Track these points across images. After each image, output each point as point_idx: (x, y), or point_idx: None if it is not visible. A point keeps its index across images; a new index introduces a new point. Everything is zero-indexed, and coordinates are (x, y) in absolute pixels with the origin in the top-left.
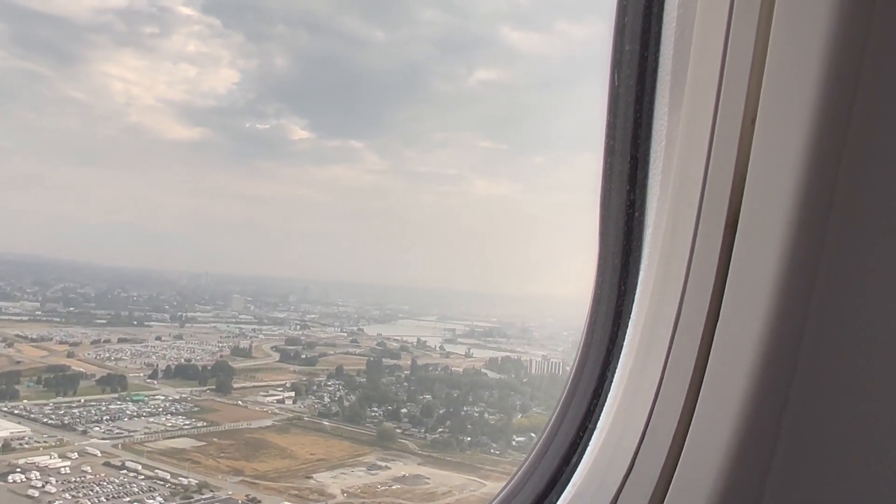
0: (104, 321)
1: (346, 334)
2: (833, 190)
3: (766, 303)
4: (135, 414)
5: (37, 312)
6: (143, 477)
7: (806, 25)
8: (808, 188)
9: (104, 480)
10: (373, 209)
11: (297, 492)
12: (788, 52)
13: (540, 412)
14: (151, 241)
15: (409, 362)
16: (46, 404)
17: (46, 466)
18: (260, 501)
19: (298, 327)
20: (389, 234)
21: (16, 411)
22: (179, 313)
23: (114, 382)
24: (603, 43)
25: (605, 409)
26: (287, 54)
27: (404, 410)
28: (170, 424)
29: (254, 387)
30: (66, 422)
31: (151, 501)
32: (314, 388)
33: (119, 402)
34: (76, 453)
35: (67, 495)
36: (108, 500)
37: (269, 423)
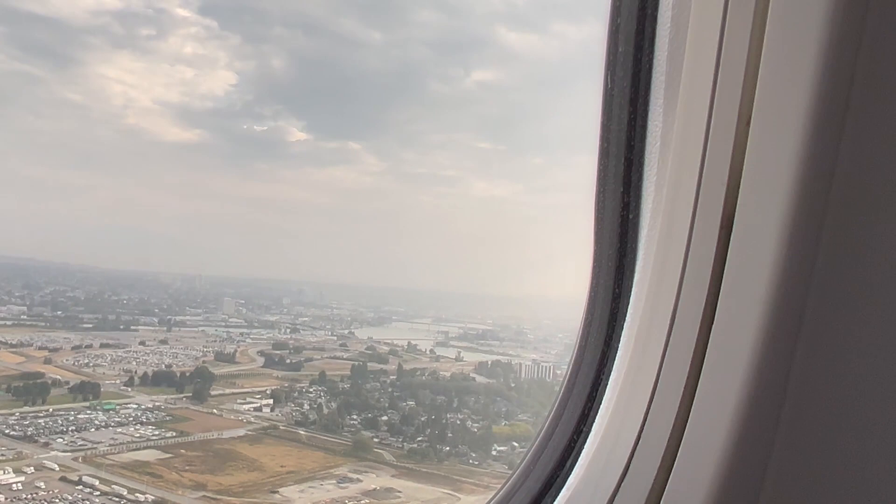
0: (90, 325)
1: (335, 338)
2: (828, 190)
3: (762, 304)
4: (103, 424)
5: (22, 317)
6: (98, 493)
7: (800, 27)
8: (803, 189)
9: (57, 497)
10: (371, 211)
11: None
12: (783, 54)
13: (526, 419)
14: (148, 244)
15: (395, 367)
16: (12, 414)
17: None
18: None
19: (288, 331)
20: (387, 235)
21: None
22: (168, 317)
23: (87, 390)
24: (600, 44)
25: (600, 411)
26: (284, 56)
27: (385, 418)
28: (137, 435)
29: (232, 394)
30: (29, 433)
31: None
32: (295, 394)
33: (89, 412)
34: (33, 467)
35: None
36: None
37: (242, 432)
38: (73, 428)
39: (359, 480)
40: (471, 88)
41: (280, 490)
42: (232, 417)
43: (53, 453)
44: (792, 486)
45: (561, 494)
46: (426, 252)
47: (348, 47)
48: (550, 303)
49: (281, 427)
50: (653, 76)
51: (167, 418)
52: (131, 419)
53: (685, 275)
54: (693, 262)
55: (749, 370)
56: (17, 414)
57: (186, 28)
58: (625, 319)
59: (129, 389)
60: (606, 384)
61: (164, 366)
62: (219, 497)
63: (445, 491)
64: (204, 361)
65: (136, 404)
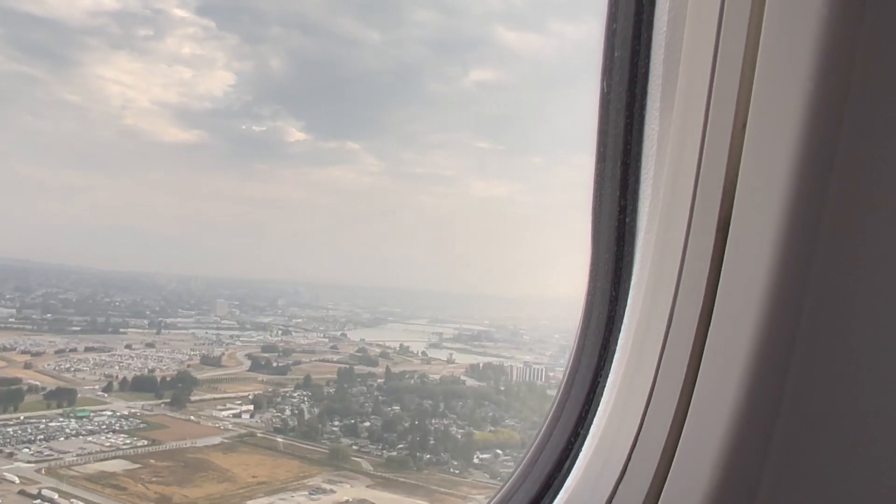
0: (78, 329)
1: (327, 340)
2: (824, 193)
3: (758, 307)
4: (73, 433)
5: (10, 320)
6: None
7: (796, 30)
8: (799, 192)
9: None
10: (370, 211)
11: None
12: (779, 57)
13: (513, 424)
14: (146, 245)
15: (384, 370)
16: None
17: None
18: None
19: (280, 333)
20: (386, 235)
21: None
22: (160, 319)
23: (62, 396)
24: (598, 43)
25: (598, 413)
26: (282, 56)
27: (367, 424)
28: (108, 444)
29: (213, 399)
30: None
31: None
32: (278, 400)
33: (62, 419)
34: None
35: None
36: None
37: (217, 440)
38: (42, 437)
39: (332, 492)
40: (469, 88)
41: (248, 503)
42: (209, 424)
43: (16, 464)
44: (789, 487)
45: (559, 496)
46: (425, 252)
47: (346, 47)
48: (549, 303)
49: (258, 434)
50: (649, 80)
51: (141, 426)
52: (104, 427)
53: (682, 277)
54: (690, 264)
55: (746, 372)
56: None
57: (184, 28)
58: (622, 322)
59: (107, 395)
60: (604, 386)
61: (146, 370)
62: None
63: (420, 503)
64: (189, 365)
65: (112, 411)
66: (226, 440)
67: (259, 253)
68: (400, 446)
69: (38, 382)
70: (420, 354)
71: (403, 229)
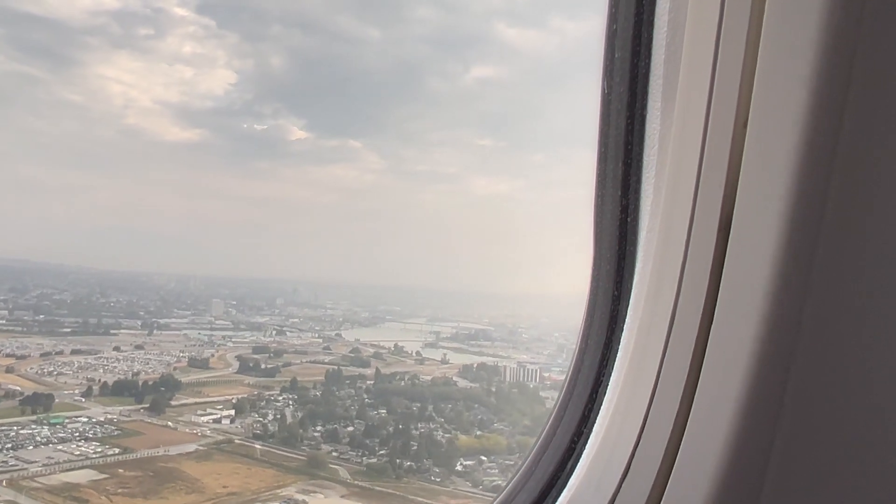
0: (69, 330)
1: (321, 340)
2: (826, 193)
3: (760, 306)
4: (44, 441)
5: (1, 322)
6: None
7: (796, 29)
8: (800, 191)
9: None
10: (371, 209)
11: None
12: (779, 56)
13: (501, 428)
14: (147, 244)
15: (374, 371)
16: None
17: None
18: None
19: (274, 333)
20: (388, 234)
21: None
22: (153, 320)
23: (39, 402)
24: (598, 39)
25: (600, 413)
26: (283, 54)
27: (350, 429)
28: (78, 453)
29: (194, 404)
30: None
31: None
32: (262, 404)
33: (34, 426)
34: None
35: None
36: None
37: (192, 447)
38: (10, 446)
39: (304, 503)
40: (470, 85)
41: None
42: (186, 431)
43: None
44: (792, 486)
45: (562, 496)
46: (425, 250)
47: (347, 45)
48: (550, 301)
49: (236, 441)
50: (650, 80)
51: (116, 433)
52: (76, 434)
53: (684, 277)
54: (692, 264)
55: (748, 371)
56: None
57: (185, 27)
58: (624, 321)
59: (84, 401)
60: (607, 386)
61: (131, 373)
62: None
63: None
64: (175, 368)
65: (87, 417)
66: (201, 447)
67: (260, 252)
68: (381, 452)
69: (17, 387)
70: (414, 354)
71: (404, 227)
